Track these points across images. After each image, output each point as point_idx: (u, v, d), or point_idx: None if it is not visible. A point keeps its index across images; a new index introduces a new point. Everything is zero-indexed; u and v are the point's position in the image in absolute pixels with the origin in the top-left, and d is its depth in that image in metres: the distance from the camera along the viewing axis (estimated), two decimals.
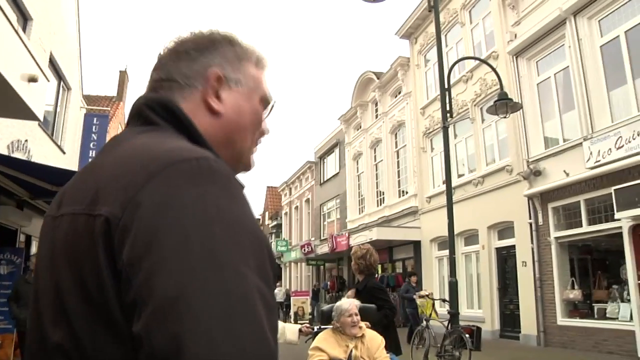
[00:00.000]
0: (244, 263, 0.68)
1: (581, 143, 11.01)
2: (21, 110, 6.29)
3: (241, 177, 0.91)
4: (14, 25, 5.49)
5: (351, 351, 4.03)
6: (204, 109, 0.92)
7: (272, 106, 1.04)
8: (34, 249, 12.28)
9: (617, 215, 9.90)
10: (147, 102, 0.90)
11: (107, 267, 0.68)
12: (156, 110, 0.88)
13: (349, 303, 4.17)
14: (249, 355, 0.62)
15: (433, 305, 11.39)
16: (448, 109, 10.15)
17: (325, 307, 4.48)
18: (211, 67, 0.94)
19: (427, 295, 11.57)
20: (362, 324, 4.19)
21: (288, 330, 4.27)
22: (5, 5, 6.00)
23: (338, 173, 27.17)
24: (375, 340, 4.16)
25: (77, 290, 0.71)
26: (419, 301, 12.02)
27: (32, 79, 5.92)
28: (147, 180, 0.70)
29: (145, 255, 0.65)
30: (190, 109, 0.90)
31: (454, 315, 9.17)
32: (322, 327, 4.37)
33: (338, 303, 4.25)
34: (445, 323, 9.48)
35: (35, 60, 6.23)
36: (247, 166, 1.01)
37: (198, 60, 0.94)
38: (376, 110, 22.98)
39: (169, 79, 0.93)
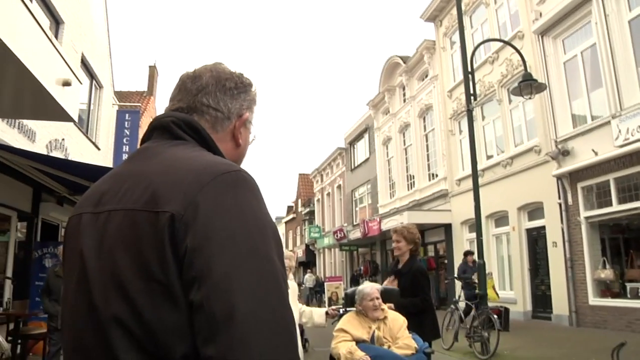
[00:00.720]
0: (271, 250, 0.94)
1: (609, 121, 10.87)
2: (57, 113, 6.62)
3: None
4: (48, 33, 5.78)
5: (374, 332, 4.19)
6: (230, 139, 1.21)
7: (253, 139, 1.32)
8: None
9: None
10: (175, 121, 1.12)
11: (171, 252, 0.90)
12: (182, 128, 1.12)
13: (370, 287, 4.31)
14: (276, 314, 0.89)
15: (493, 286, 10.90)
16: (472, 92, 10.16)
17: (349, 290, 4.60)
18: (244, 109, 1.23)
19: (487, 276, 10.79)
20: (384, 306, 4.31)
21: (315, 314, 4.45)
22: (39, 12, 6.32)
23: (368, 158, 27.26)
24: (397, 321, 4.27)
25: (138, 271, 0.91)
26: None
27: (66, 83, 6.23)
28: (201, 187, 0.94)
29: (205, 243, 0.89)
30: (221, 137, 1.19)
31: (482, 296, 9.27)
32: (347, 309, 4.50)
33: (360, 287, 4.38)
34: (474, 304, 9.59)
35: (68, 65, 6.54)
36: None
37: (237, 99, 1.22)
38: (404, 95, 22.94)
39: (216, 109, 1.19)
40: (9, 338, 7.72)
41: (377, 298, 4.22)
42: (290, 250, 9.21)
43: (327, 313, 4.45)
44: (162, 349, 0.88)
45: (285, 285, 0.95)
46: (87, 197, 1.10)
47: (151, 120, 1.19)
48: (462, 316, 10.05)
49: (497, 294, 10.99)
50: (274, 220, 1.06)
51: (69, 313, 1.03)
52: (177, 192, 0.94)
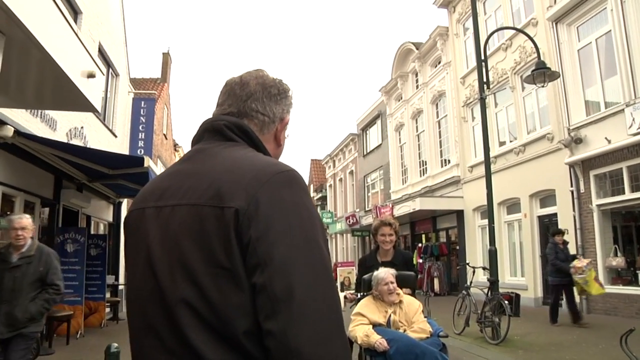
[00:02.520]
0: (320, 238, 1.11)
1: (623, 109, 10.87)
2: (82, 104, 6.81)
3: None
4: (72, 24, 5.96)
5: (390, 316, 4.32)
6: (273, 140, 1.38)
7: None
8: (92, 230, 13.13)
9: None
10: (228, 124, 1.27)
11: (236, 242, 1.05)
12: (234, 131, 1.27)
13: (385, 272, 4.42)
14: (327, 293, 1.06)
15: (596, 277, 9.84)
16: (485, 80, 10.21)
17: (366, 276, 4.64)
18: (285, 112, 1.39)
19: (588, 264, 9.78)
20: (400, 290, 4.45)
21: None
22: (59, 3, 6.48)
23: (380, 144, 27.31)
24: (412, 305, 4.44)
25: (205, 258, 1.07)
26: (578, 277, 9.74)
27: (91, 75, 6.41)
28: (261, 185, 1.09)
29: (266, 233, 1.04)
30: (266, 138, 1.34)
31: (493, 282, 9.41)
32: (365, 294, 4.62)
33: (376, 272, 4.47)
34: (485, 290, 9.73)
35: (91, 56, 6.72)
36: None
37: (280, 104, 1.37)
38: (416, 81, 22.92)
39: (264, 113, 1.34)
40: None
41: (392, 282, 4.35)
42: None
43: (345, 297, 4.55)
44: (226, 326, 1.04)
45: (330, 266, 1.12)
46: (148, 192, 1.25)
47: (201, 123, 1.34)
48: (472, 301, 10.11)
49: (601, 286, 9.61)
50: None
51: (136, 297, 1.19)
52: (240, 190, 1.08)
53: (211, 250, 1.07)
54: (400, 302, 4.42)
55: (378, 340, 4.08)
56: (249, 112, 1.33)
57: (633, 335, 5.72)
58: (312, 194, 42.62)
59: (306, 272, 1.04)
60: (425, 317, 4.56)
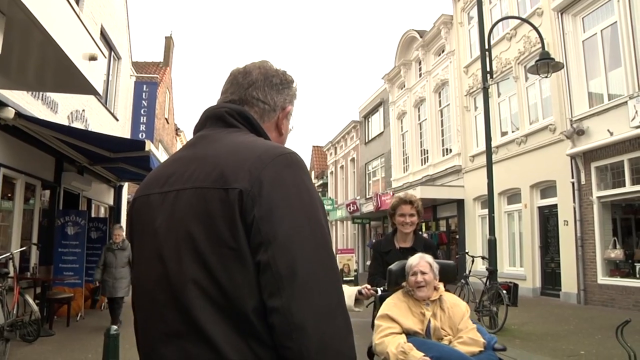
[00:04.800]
0: (321, 216, 1.15)
1: (626, 102, 10.83)
2: (83, 87, 6.79)
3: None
4: (75, 7, 5.92)
5: (429, 322, 3.21)
6: (274, 128, 1.39)
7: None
8: (93, 213, 13.16)
9: None
10: (229, 111, 1.30)
11: (241, 222, 1.08)
12: (235, 117, 1.29)
13: (417, 258, 3.40)
14: (329, 270, 1.10)
15: None
16: (489, 69, 10.16)
17: (394, 265, 3.60)
18: (287, 102, 1.40)
19: None
20: (440, 284, 3.40)
21: (345, 294, 3.28)
22: None
23: (382, 132, 27.26)
24: (458, 307, 3.32)
25: (211, 239, 1.10)
26: None
27: (93, 58, 6.39)
28: (264, 167, 1.11)
29: (270, 213, 1.07)
30: (267, 126, 1.36)
31: (492, 272, 9.45)
32: (387, 289, 3.60)
33: (410, 259, 3.46)
34: (484, 279, 9.77)
35: (93, 39, 6.68)
36: None
37: (281, 94, 1.39)
38: (420, 69, 22.82)
39: (264, 102, 1.36)
40: (36, 301, 8.06)
41: (422, 272, 3.30)
42: None
43: (359, 293, 3.36)
44: (235, 305, 1.06)
45: (330, 243, 1.16)
46: (152, 179, 1.28)
47: (203, 111, 1.36)
48: (470, 290, 10.18)
49: None
50: None
51: (144, 282, 1.21)
52: (243, 172, 1.11)
53: (217, 231, 1.09)
54: (441, 300, 3.31)
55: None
56: (250, 100, 1.35)
57: (629, 326, 5.77)
58: (313, 181, 42.65)
59: (309, 249, 1.08)
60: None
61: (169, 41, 23.74)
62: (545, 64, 9.46)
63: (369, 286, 3.48)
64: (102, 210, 14.49)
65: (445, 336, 3.20)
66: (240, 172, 1.11)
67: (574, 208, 12.46)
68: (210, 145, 1.23)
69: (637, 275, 10.95)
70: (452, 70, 19.44)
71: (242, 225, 1.07)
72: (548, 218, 14.07)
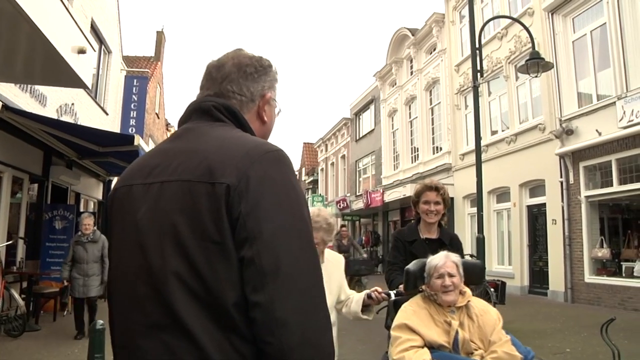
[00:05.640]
0: (306, 214, 1.16)
1: (615, 102, 10.92)
2: (72, 80, 6.75)
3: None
4: (64, 1, 5.87)
5: (457, 333, 2.70)
6: (256, 118, 1.37)
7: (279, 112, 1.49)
8: (82, 207, 13.09)
9: None
10: (216, 105, 1.29)
11: (226, 216, 1.08)
12: (222, 111, 1.29)
13: (443, 258, 2.90)
14: (311, 266, 1.12)
15: None
16: (479, 68, 10.19)
17: (412, 265, 3.08)
18: (265, 89, 1.37)
19: None
20: (466, 288, 2.92)
21: (353, 301, 2.97)
22: None
23: (373, 129, 27.29)
24: (489, 315, 2.81)
25: (195, 233, 1.10)
26: None
27: (82, 51, 6.34)
28: (252, 163, 1.12)
29: (256, 209, 1.08)
30: (249, 117, 1.34)
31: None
32: (402, 292, 3.11)
33: (430, 258, 2.97)
34: None
35: (82, 32, 6.63)
36: None
37: (258, 82, 1.36)
38: (411, 67, 22.85)
39: (240, 94, 1.34)
40: (23, 296, 8.01)
41: (450, 275, 2.80)
42: None
43: (369, 297, 2.92)
44: (216, 299, 1.06)
45: (313, 239, 1.18)
46: (135, 170, 1.26)
47: (188, 105, 1.34)
48: None
49: None
50: None
51: (122, 273, 1.20)
52: (231, 167, 1.11)
53: (202, 224, 1.09)
54: (468, 307, 2.80)
55: None
56: (226, 94, 1.33)
57: (613, 324, 5.82)
58: (303, 178, 42.71)
59: (293, 246, 1.09)
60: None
61: (160, 36, 23.60)
62: (535, 63, 9.49)
63: (379, 289, 2.99)
64: (91, 204, 14.41)
65: (476, 350, 2.67)
66: (227, 167, 1.11)
67: (563, 207, 12.54)
68: (197, 139, 1.22)
69: (623, 275, 11.06)
70: (443, 68, 19.49)
71: (227, 220, 1.07)
72: (537, 217, 14.17)
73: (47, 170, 10.09)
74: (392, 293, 3.09)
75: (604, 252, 11.58)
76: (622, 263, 11.25)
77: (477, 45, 10.30)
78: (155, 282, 1.10)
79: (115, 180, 15.06)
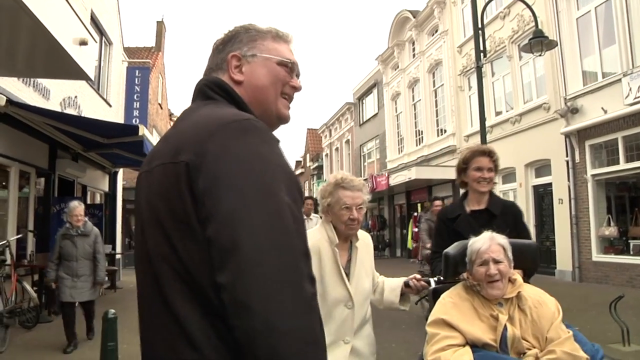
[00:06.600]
0: (277, 187, 1.05)
1: (620, 79, 10.83)
2: (74, 72, 6.74)
3: (278, 130, 1.38)
4: None
5: (505, 329, 2.25)
6: (232, 82, 1.29)
7: (292, 65, 1.36)
8: (88, 199, 13.15)
9: None
10: (207, 83, 1.29)
11: (189, 195, 1.04)
12: (213, 89, 1.27)
13: (487, 240, 2.42)
14: (278, 245, 1.00)
15: None
16: (482, 48, 10.11)
17: (451, 248, 2.65)
18: (230, 53, 1.32)
19: None
20: (517, 274, 2.44)
21: (387, 287, 2.66)
22: None
23: (377, 114, 27.20)
24: (545, 307, 2.34)
25: (170, 215, 1.08)
26: None
27: (83, 43, 6.34)
28: (210, 136, 1.07)
29: (214, 184, 1.02)
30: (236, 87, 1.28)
31: None
32: (444, 280, 2.70)
33: (472, 240, 2.49)
34: None
35: (83, 24, 6.62)
36: (281, 118, 1.38)
37: (224, 51, 1.33)
38: (413, 50, 22.70)
39: (211, 68, 1.34)
40: (35, 288, 8.08)
41: (497, 261, 2.34)
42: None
43: (406, 285, 2.63)
44: (196, 280, 1.04)
45: (295, 219, 1.05)
46: (146, 157, 1.29)
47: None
48: None
49: None
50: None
51: (136, 258, 1.23)
52: (191, 143, 1.08)
53: (173, 206, 1.07)
54: (520, 298, 2.35)
55: None
56: (208, 74, 1.35)
57: (622, 302, 5.84)
58: (308, 164, 42.69)
59: (256, 223, 1.00)
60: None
61: (160, 26, 23.51)
62: (538, 42, 9.40)
63: (418, 276, 2.67)
64: (98, 196, 14.46)
65: (529, 349, 2.23)
66: (189, 143, 1.08)
67: (569, 186, 12.51)
68: (183, 121, 1.23)
69: (631, 252, 11.06)
70: (445, 50, 19.35)
71: (190, 199, 1.04)
72: (543, 197, 14.14)
73: (53, 164, 10.11)
74: (433, 281, 2.73)
75: (611, 231, 11.56)
76: (629, 241, 11.23)
77: (479, 26, 10.20)
78: (152, 266, 1.12)
79: (120, 171, 15.11)
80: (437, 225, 3.38)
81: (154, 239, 1.12)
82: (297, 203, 1.10)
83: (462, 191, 3.41)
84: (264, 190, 1.03)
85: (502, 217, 3.03)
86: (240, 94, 1.27)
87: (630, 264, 10.80)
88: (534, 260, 2.67)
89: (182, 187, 1.05)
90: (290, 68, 1.35)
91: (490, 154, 3.19)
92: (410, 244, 20.98)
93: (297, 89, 1.38)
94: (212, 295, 1.01)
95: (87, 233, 6.63)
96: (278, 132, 1.31)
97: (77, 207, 6.70)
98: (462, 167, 3.25)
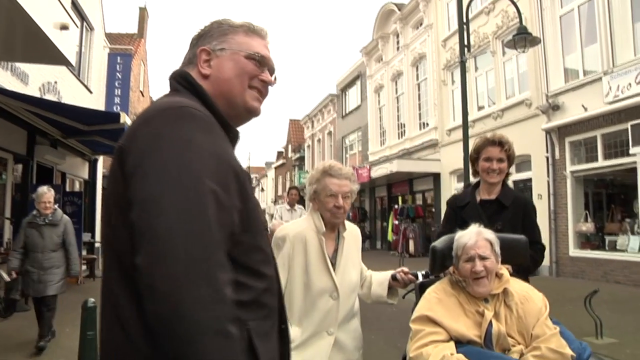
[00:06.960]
0: (205, 175, 1.04)
1: (601, 78, 10.97)
2: (55, 57, 6.64)
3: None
4: None
5: (490, 325, 2.20)
6: (200, 76, 1.31)
7: (261, 58, 1.34)
8: (67, 187, 12.98)
9: (632, 151, 10.04)
10: (174, 75, 1.32)
11: (121, 178, 1.07)
12: (179, 81, 1.30)
13: (474, 234, 2.35)
14: (194, 230, 1.00)
15: None
16: (466, 43, 10.14)
17: (439, 242, 2.59)
18: (200, 47, 1.33)
19: None
20: (504, 269, 2.39)
21: (375, 281, 2.66)
22: None
23: (360, 106, 27.20)
24: (532, 302, 2.28)
25: (112, 197, 1.13)
26: None
27: (64, 27, 6.22)
28: (144, 121, 1.10)
29: (138, 168, 1.04)
30: (204, 83, 1.30)
31: None
32: (432, 273, 2.67)
33: (459, 234, 2.43)
34: None
35: (64, 7, 6.50)
36: (250, 111, 1.38)
37: (196, 45, 1.35)
38: (397, 43, 22.71)
39: (184, 63, 1.36)
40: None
41: (483, 257, 2.28)
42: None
43: (394, 278, 2.63)
44: (125, 262, 1.04)
45: (219, 206, 1.05)
46: None
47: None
48: None
49: None
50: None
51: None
52: (129, 130, 1.13)
53: (112, 189, 1.12)
54: (506, 294, 2.30)
55: None
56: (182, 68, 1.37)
57: (597, 296, 5.97)
58: (290, 154, 42.61)
59: (172, 209, 0.99)
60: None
61: (143, 12, 23.19)
62: (522, 38, 9.47)
63: (405, 269, 2.66)
64: (77, 184, 14.28)
65: (514, 345, 2.19)
66: (129, 129, 1.13)
67: (548, 182, 12.67)
68: None
69: (607, 248, 11.27)
70: (429, 44, 19.40)
71: (122, 182, 1.07)
72: (523, 192, 14.26)
73: (32, 150, 9.95)
74: (420, 274, 2.68)
75: (588, 227, 11.76)
76: (605, 237, 11.44)
77: (464, 20, 10.23)
78: (104, 243, 1.16)
79: (100, 159, 14.92)
80: (446, 211, 3.38)
81: (104, 222, 1.16)
82: (229, 192, 1.09)
83: (473, 180, 3.41)
84: (187, 176, 1.03)
85: (513, 209, 2.99)
86: (207, 87, 1.28)
87: (605, 259, 11.00)
88: (525, 255, 2.60)
89: (116, 169, 1.09)
90: (260, 61, 1.35)
91: (501, 144, 3.11)
92: (390, 236, 21.16)
93: (267, 82, 1.37)
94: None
95: (56, 222, 5.97)
96: (259, 123, 1.29)
97: (45, 193, 5.97)
98: (474, 157, 3.24)
